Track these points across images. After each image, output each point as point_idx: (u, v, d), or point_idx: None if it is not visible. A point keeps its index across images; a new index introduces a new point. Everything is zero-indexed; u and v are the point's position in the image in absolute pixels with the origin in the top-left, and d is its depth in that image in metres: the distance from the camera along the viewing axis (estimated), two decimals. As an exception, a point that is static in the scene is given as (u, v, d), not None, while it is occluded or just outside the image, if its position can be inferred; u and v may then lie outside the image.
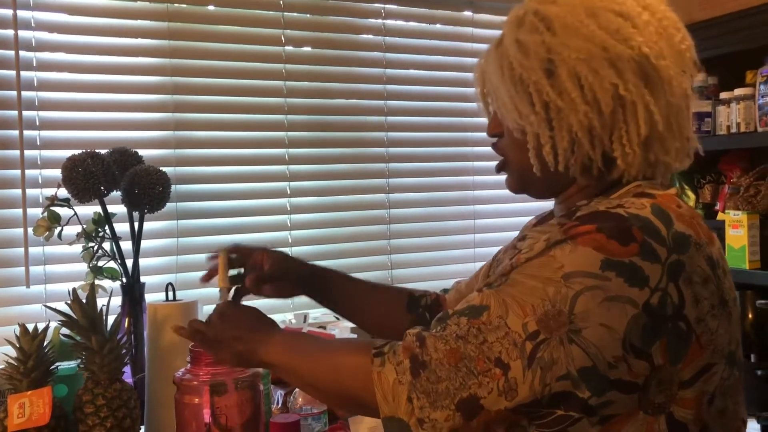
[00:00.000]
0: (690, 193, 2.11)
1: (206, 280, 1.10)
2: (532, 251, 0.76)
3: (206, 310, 1.58)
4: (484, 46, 2.35)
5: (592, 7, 0.80)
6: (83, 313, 1.26)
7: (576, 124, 0.79)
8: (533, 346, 0.71)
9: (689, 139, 0.84)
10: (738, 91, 1.92)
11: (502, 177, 2.41)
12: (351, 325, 1.53)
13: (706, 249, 0.77)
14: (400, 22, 2.02)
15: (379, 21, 1.98)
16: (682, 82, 0.81)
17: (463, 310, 0.76)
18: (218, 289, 1.08)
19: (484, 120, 2.46)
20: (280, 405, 1.41)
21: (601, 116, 0.79)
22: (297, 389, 1.31)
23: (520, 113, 0.82)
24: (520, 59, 0.82)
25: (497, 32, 2.49)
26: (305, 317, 1.58)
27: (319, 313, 1.79)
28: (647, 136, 0.79)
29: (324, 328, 1.60)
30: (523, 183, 0.91)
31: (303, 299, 1.82)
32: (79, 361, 1.29)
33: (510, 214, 2.16)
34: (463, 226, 2.12)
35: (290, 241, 1.87)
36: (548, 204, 1.01)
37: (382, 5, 1.98)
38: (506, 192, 2.41)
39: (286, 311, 1.70)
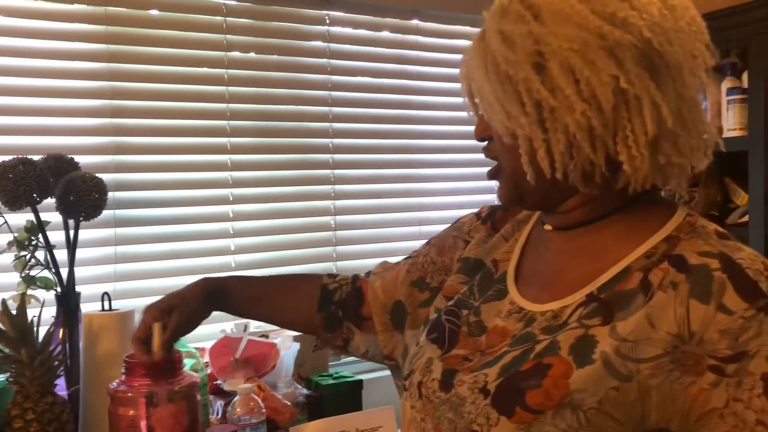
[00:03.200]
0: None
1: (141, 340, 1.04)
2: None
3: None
4: (429, 54, 2.35)
5: None
6: (12, 325, 1.22)
7: (573, 125, 0.69)
8: None
9: (706, 134, 0.74)
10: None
11: (448, 185, 2.40)
12: (294, 333, 1.52)
13: None
14: (345, 29, 2.03)
15: (324, 28, 1.98)
16: (694, 69, 0.71)
17: None
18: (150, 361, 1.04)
19: (428, 128, 2.46)
20: (219, 415, 1.39)
21: (602, 114, 0.69)
22: (236, 399, 1.29)
23: (509, 115, 0.72)
24: (505, 53, 0.71)
25: (443, 41, 2.48)
26: (246, 326, 1.56)
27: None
28: (656, 135, 0.69)
29: (266, 336, 1.58)
30: (518, 193, 0.79)
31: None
32: (8, 374, 1.25)
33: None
34: (409, 232, 2.13)
35: (233, 248, 1.85)
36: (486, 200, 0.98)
37: (327, 12, 1.98)
38: (452, 199, 2.43)
39: (226, 320, 1.67)
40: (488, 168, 0.84)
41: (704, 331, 0.66)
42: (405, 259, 1.06)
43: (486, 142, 0.81)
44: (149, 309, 1.05)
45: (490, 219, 0.97)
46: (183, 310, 1.04)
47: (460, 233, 0.99)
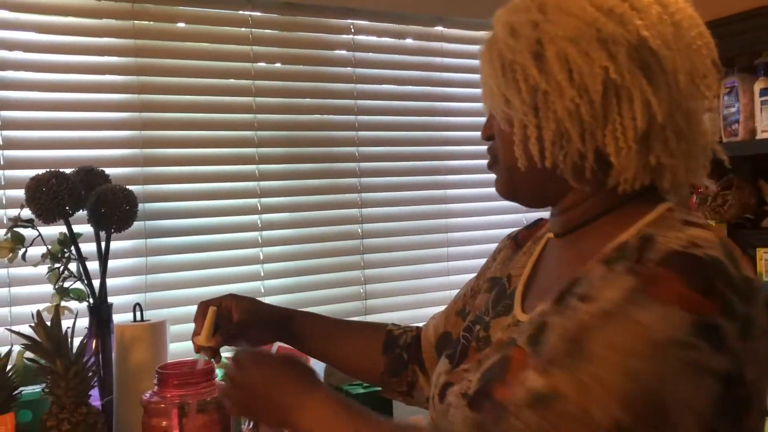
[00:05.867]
0: (659, 203, 2.13)
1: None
2: (603, 306, 0.64)
3: (173, 331, 1.56)
4: (453, 61, 2.35)
5: None
6: (47, 336, 1.24)
7: (562, 111, 0.71)
8: None
9: (705, 146, 0.76)
10: (703, 103, 1.95)
11: (476, 191, 2.39)
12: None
13: (763, 293, 0.68)
14: (370, 38, 2.03)
15: (349, 37, 1.99)
16: (695, 80, 0.73)
17: (528, 399, 0.63)
18: (198, 347, 1.03)
19: (455, 134, 2.45)
20: (251, 426, 1.39)
21: (591, 105, 0.70)
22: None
23: (506, 99, 0.75)
24: (508, 40, 0.74)
25: (467, 47, 2.48)
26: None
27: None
28: (645, 131, 0.70)
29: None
30: (511, 185, 0.82)
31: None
32: (43, 385, 1.26)
33: (484, 232, 2.17)
34: (437, 239, 2.12)
35: (262, 258, 1.86)
36: (521, 220, 1.01)
37: (352, 21, 1.98)
38: (480, 205, 2.40)
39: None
40: None
41: (587, 277, 0.70)
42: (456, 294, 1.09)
43: (491, 141, 0.84)
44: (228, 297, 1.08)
45: (516, 237, 0.99)
46: (256, 312, 1.07)
47: (494, 254, 1.02)
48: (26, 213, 1.45)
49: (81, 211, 1.49)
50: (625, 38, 0.70)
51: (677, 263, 0.63)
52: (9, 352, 1.25)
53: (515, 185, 0.81)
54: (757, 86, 1.93)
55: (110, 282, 1.53)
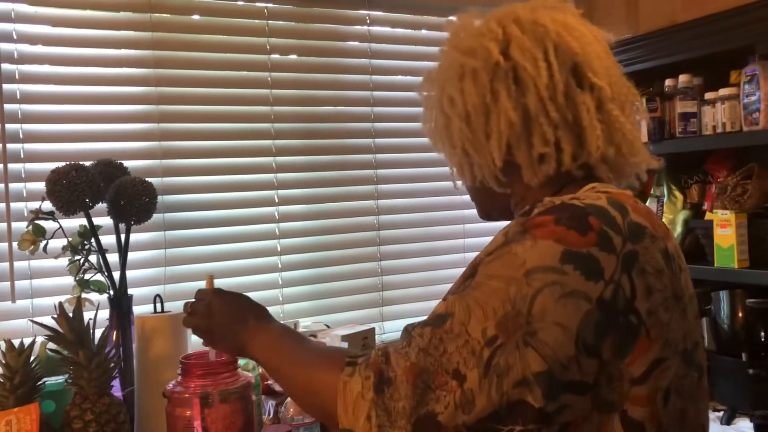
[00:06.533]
0: (678, 193, 2.12)
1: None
2: (492, 246, 0.76)
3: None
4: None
5: (455, 37, 0.90)
6: (70, 327, 1.24)
7: (458, 139, 0.86)
8: (490, 352, 0.70)
9: (586, 128, 0.82)
10: (723, 91, 1.93)
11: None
12: (343, 332, 1.53)
13: (662, 242, 0.77)
14: (385, 29, 2.02)
15: (365, 28, 1.98)
16: (578, 74, 0.83)
17: (429, 319, 0.77)
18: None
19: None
20: (271, 415, 1.40)
21: (474, 127, 0.84)
22: (288, 400, 1.30)
23: (436, 146, 0.93)
24: (422, 96, 0.94)
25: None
26: (295, 325, 1.57)
27: (309, 321, 1.78)
28: (521, 132, 0.82)
29: (315, 336, 1.59)
30: (481, 209, 0.96)
31: (293, 306, 1.81)
32: (66, 376, 1.27)
33: (500, 222, 2.16)
34: (453, 230, 2.13)
35: (279, 249, 1.86)
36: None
37: (367, 12, 1.98)
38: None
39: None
40: None
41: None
42: None
43: None
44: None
45: None
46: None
47: None
48: (47, 206, 1.46)
49: (101, 203, 1.50)
50: (483, 67, 0.84)
51: (555, 209, 0.75)
52: (32, 343, 1.26)
53: (482, 207, 0.96)
54: (778, 74, 1.91)
55: (130, 274, 1.54)
